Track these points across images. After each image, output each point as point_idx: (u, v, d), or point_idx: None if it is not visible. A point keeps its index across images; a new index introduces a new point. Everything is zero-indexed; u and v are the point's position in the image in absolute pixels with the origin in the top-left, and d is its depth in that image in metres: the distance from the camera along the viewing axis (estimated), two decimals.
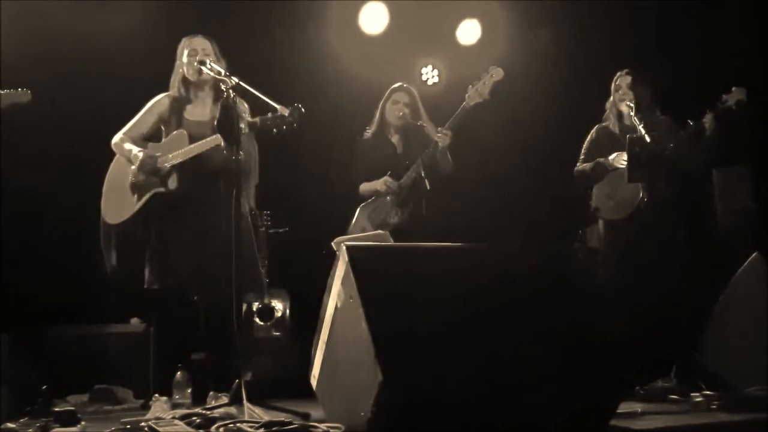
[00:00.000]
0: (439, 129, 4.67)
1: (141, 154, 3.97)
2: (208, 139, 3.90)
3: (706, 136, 4.52)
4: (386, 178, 4.78)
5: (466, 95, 4.65)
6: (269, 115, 3.85)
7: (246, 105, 3.99)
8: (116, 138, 4.11)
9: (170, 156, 3.94)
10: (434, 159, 4.68)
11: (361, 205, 4.91)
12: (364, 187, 4.90)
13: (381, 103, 4.95)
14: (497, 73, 4.67)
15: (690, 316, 4.38)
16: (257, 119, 3.88)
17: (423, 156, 4.65)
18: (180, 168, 3.94)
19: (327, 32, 6.16)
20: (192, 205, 3.95)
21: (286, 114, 3.76)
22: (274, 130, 3.84)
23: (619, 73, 4.85)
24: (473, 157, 5.58)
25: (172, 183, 3.94)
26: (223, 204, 3.85)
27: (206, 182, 3.95)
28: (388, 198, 4.79)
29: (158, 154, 3.97)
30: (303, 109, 3.80)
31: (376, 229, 4.75)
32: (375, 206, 4.85)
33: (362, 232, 4.77)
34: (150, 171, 3.95)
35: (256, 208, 4.48)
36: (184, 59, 4.08)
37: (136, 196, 3.98)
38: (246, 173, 3.97)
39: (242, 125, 3.85)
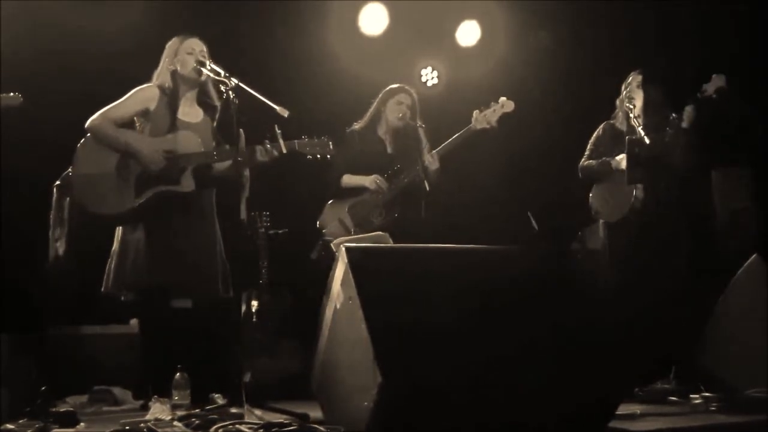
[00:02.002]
0: (428, 154, 4.69)
1: (154, 147, 3.90)
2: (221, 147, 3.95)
3: (686, 127, 4.54)
4: (377, 176, 4.78)
5: (473, 119, 4.70)
6: (305, 138, 3.91)
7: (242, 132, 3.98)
8: (98, 120, 3.97)
9: (188, 157, 3.91)
10: (425, 173, 4.69)
11: (333, 200, 4.90)
12: (349, 179, 4.87)
13: (378, 100, 4.95)
14: (508, 105, 4.74)
15: (689, 317, 4.38)
16: (294, 142, 3.94)
17: (420, 164, 4.65)
18: (191, 171, 3.93)
19: (327, 33, 6.16)
20: (193, 209, 3.96)
21: (286, 115, 3.78)
22: (309, 156, 3.91)
23: (632, 72, 4.87)
24: (472, 158, 5.58)
25: (183, 185, 3.91)
26: (212, 211, 3.89)
27: (208, 187, 3.97)
28: (375, 196, 4.79)
29: (166, 149, 3.94)
30: (332, 144, 3.99)
31: (355, 224, 4.76)
32: (356, 201, 4.84)
33: (339, 223, 4.78)
34: (163, 168, 3.91)
35: (246, 220, 4.49)
36: (179, 56, 4.05)
37: (131, 188, 3.91)
38: (240, 185, 3.97)
39: (275, 151, 3.90)
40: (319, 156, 3.97)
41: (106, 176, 3.91)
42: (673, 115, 4.62)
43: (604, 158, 4.82)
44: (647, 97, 4.78)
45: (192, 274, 3.90)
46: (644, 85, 4.78)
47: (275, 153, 3.94)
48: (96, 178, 3.92)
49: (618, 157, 4.74)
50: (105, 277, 3.97)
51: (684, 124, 4.55)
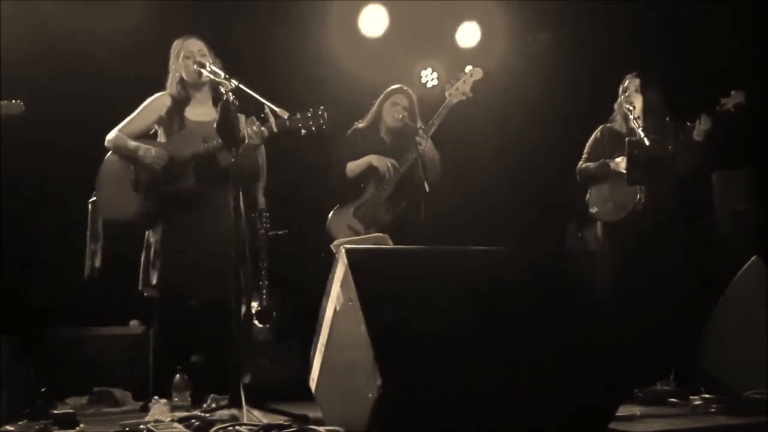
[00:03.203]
0: (418, 136, 4.65)
1: (154, 150, 3.96)
2: (217, 141, 3.91)
3: (698, 139, 4.54)
4: (388, 159, 4.75)
5: (447, 94, 4.69)
6: (298, 115, 3.87)
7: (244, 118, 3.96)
8: (113, 135, 4.10)
9: (183, 154, 3.94)
10: (423, 162, 4.66)
11: (337, 208, 4.90)
12: (353, 165, 4.84)
13: (378, 101, 4.95)
14: (476, 73, 4.73)
15: (689, 318, 4.38)
16: (285, 119, 3.86)
17: (416, 151, 4.62)
18: (192, 167, 3.95)
19: (327, 34, 6.16)
20: (199, 205, 3.97)
21: (286, 117, 3.77)
22: (303, 131, 3.86)
23: (628, 76, 4.86)
24: (472, 159, 5.59)
25: (183, 182, 3.95)
26: (226, 206, 3.86)
27: (213, 183, 3.96)
28: (377, 193, 4.78)
29: (168, 151, 3.98)
30: (326, 115, 3.89)
31: (365, 226, 4.75)
32: (360, 204, 4.83)
33: (348, 229, 4.77)
34: (161, 167, 3.94)
35: (265, 208, 4.50)
36: (180, 61, 4.09)
37: (141, 193, 4.00)
38: (254, 175, 4.00)
39: (264, 129, 3.86)
40: (314, 128, 3.89)
41: (121, 185, 4.04)
42: (688, 123, 4.60)
43: (602, 160, 4.82)
44: (646, 100, 4.78)
45: (191, 275, 3.91)
46: (643, 88, 4.78)
47: (266, 133, 3.91)
48: (113, 188, 4.07)
49: (617, 159, 4.74)
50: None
51: (697, 136, 4.54)
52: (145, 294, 4.10)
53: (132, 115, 4.15)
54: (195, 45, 4.10)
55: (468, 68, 4.75)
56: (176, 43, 4.16)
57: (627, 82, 4.85)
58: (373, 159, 4.77)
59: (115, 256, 4.20)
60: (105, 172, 4.11)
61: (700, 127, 4.53)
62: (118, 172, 4.07)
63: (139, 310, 4.96)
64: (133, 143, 4.05)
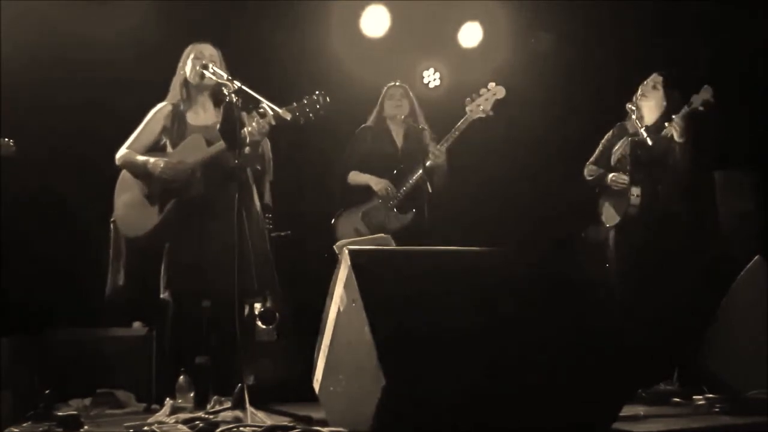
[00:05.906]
0: (433, 148, 4.66)
1: (162, 162, 3.96)
2: (220, 143, 3.94)
3: (680, 140, 4.53)
4: (388, 182, 4.77)
5: (467, 108, 4.67)
6: (294, 104, 3.86)
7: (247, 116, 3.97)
8: (122, 153, 4.10)
9: (190, 161, 3.94)
10: (432, 171, 4.67)
11: (345, 210, 4.90)
12: (356, 177, 4.88)
13: (380, 100, 5.02)
14: (499, 92, 4.69)
15: (692, 319, 4.38)
16: (285, 111, 3.84)
17: (425, 167, 4.64)
18: (200, 173, 3.95)
19: (328, 35, 6.16)
20: (211, 210, 3.96)
21: (288, 118, 3.77)
22: (302, 120, 3.85)
23: (652, 75, 4.82)
24: (476, 160, 5.58)
25: (194, 189, 3.95)
26: (236, 208, 3.87)
27: (223, 186, 3.97)
28: (385, 201, 4.78)
29: (176, 160, 3.99)
30: (328, 98, 3.83)
31: (372, 232, 4.75)
32: (368, 208, 4.83)
33: (355, 233, 4.77)
34: (171, 177, 3.95)
35: (270, 204, 4.50)
36: (188, 63, 4.09)
37: (156, 206, 4.00)
38: (262, 172, 3.99)
39: (264, 123, 3.84)
40: (312, 116, 3.87)
41: (136, 201, 4.04)
42: (666, 124, 4.59)
43: (601, 171, 4.84)
44: (669, 100, 4.75)
45: (205, 278, 3.91)
46: (665, 86, 4.75)
47: (266, 128, 3.90)
48: (129, 206, 4.06)
49: (611, 176, 4.74)
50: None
51: (676, 136, 4.54)
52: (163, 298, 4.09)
53: (137, 131, 4.13)
54: (207, 50, 4.11)
55: (491, 85, 4.73)
56: (190, 47, 4.16)
57: (651, 81, 4.81)
58: (372, 182, 4.81)
59: (133, 269, 4.19)
60: (120, 190, 4.11)
61: (674, 127, 4.52)
62: (131, 189, 4.06)
63: (142, 312, 4.96)
64: (141, 158, 4.04)
